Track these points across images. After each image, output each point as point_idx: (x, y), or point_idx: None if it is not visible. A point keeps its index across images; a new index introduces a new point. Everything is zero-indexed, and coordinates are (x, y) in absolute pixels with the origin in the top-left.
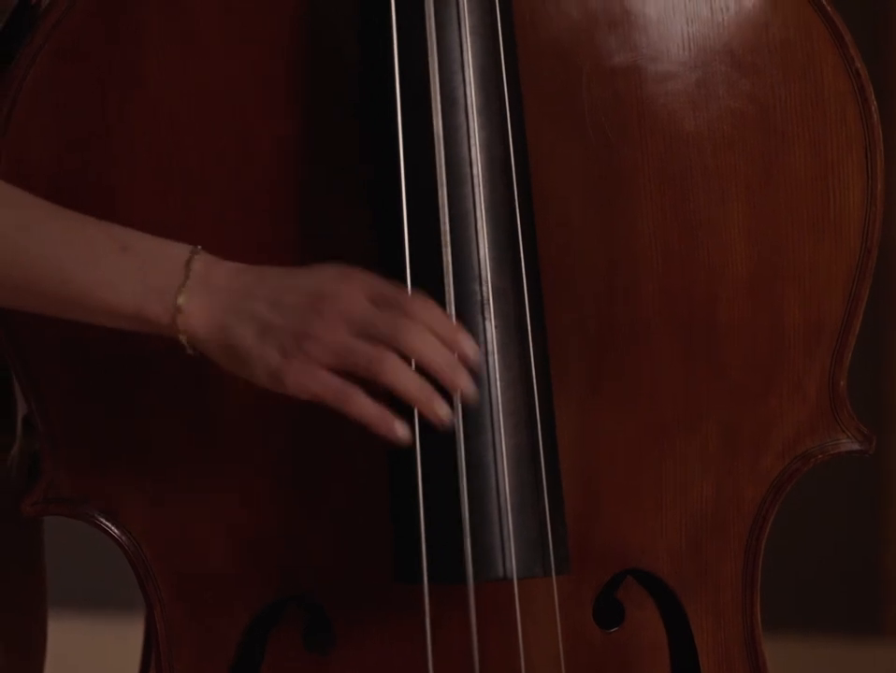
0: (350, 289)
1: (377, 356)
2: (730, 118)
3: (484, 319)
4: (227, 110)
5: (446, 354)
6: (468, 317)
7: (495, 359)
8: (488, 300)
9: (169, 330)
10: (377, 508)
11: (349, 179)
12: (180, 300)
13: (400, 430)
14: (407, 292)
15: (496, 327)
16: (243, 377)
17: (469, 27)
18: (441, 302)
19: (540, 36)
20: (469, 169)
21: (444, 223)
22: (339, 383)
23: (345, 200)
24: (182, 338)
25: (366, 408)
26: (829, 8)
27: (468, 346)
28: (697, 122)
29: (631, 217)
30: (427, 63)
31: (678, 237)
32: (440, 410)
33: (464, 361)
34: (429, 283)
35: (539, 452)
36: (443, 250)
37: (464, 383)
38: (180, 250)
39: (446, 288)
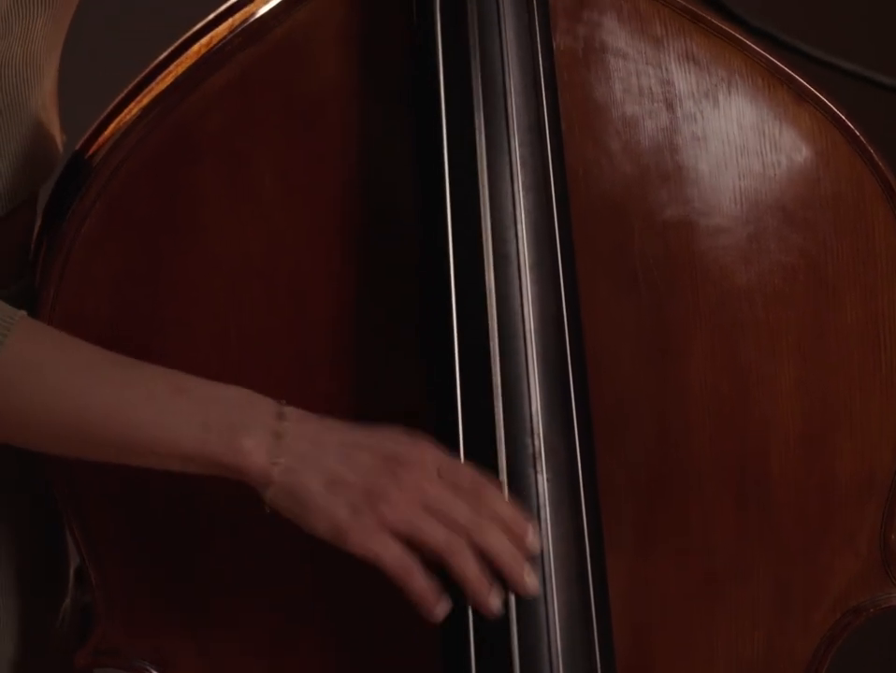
0: (424, 459)
1: (452, 545)
2: (781, 272)
3: (535, 472)
4: (283, 269)
5: (514, 551)
6: (519, 470)
7: (546, 513)
8: (540, 453)
9: (233, 468)
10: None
11: (403, 334)
12: (245, 441)
13: (442, 612)
14: (480, 476)
15: (548, 481)
16: (300, 524)
17: (522, 183)
18: (493, 455)
19: (592, 191)
20: (521, 325)
21: (496, 377)
22: (402, 553)
23: (399, 354)
24: (245, 478)
25: (421, 584)
26: (880, 163)
27: (535, 542)
28: (748, 277)
29: (683, 370)
30: (480, 218)
31: (729, 391)
32: (493, 603)
33: (529, 555)
34: (481, 436)
35: (591, 608)
36: (496, 403)
37: (530, 581)
38: (238, 392)
39: (498, 441)
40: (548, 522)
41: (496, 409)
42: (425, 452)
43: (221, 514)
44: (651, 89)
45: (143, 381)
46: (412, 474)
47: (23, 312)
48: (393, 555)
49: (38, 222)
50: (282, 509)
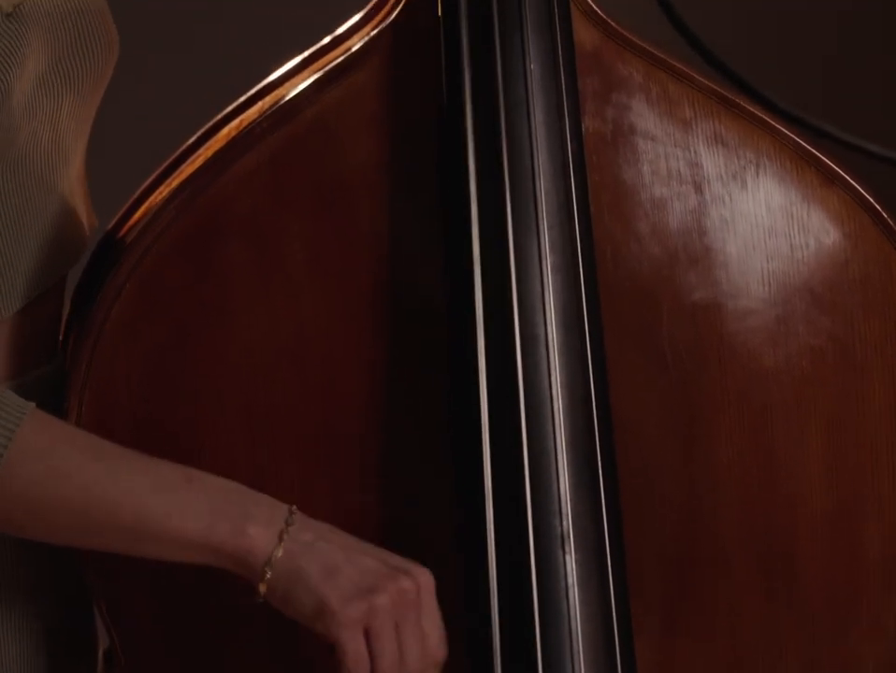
0: (426, 576)
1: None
2: (810, 354)
3: (564, 553)
4: (313, 352)
5: None
6: (548, 552)
7: (574, 593)
8: (569, 534)
9: (237, 554)
10: None
11: (433, 416)
12: (251, 528)
13: None
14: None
15: (576, 562)
16: (287, 604)
17: (551, 264)
18: (522, 536)
19: (620, 273)
20: (550, 406)
21: (525, 459)
22: (364, 650)
23: (428, 436)
24: (246, 564)
25: None
26: None
27: None
28: (776, 359)
29: (711, 450)
30: (509, 300)
31: (757, 470)
32: None
33: None
34: (510, 517)
35: None
36: (524, 484)
37: None
38: (245, 487)
39: (527, 523)
40: (576, 602)
41: (524, 491)
42: (427, 573)
43: (248, 607)
44: (680, 171)
45: (151, 471)
46: (411, 582)
47: (33, 404)
48: (356, 650)
49: (68, 307)
50: (276, 595)
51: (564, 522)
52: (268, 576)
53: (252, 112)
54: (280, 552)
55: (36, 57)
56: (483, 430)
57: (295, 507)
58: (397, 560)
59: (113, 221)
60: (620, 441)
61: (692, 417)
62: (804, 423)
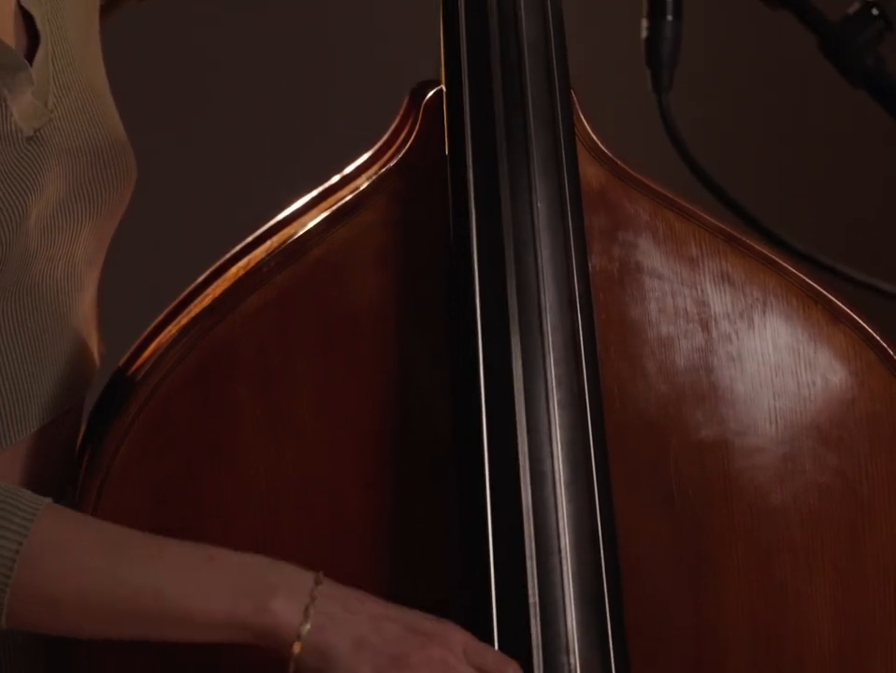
0: (452, 637)
1: None
2: (817, 492)
3: None
4: (319, 485)
5: None
6: None
7: None
8: (576, 670)
9: (263, 630)
10: None
11: (440, 548)
12: (275, 602)
13: None
14: (504, 658)
15: None
16: None
17: (558, 401)
18: (530, 671)
19: (628, 410)
20: (556, 541)
21: (533, 595)
22: None
23: (435, 576)
24: (273, 638)
25: None
26: None
27: None
28: (783, 496)
29: (718, 588)
30: (516, 436)
31: (765, 609)
32: None
33: None
34: (517, 654)
35: None
36: (531, 621)
37: None
38: (266, 559)
39: (534, 659)
40: None
41: (532, 627)
42: (452, 631)
43: None
44: (686, 309)
45: (171, 554)
46: (439, 649)
47: (49, 500)
48: None
49: (81, 434)
50: (307, 669)
51: (572, 659)
52: (297, 651)
53: (260, 252)
54: (307, 627)
55: (57, 182)
56: (490, 565)
57: (321, 574)
58: (425, 623)
59: (124, 359)
60: (628, 577)
61: (700, 554)
62: (812, 560)
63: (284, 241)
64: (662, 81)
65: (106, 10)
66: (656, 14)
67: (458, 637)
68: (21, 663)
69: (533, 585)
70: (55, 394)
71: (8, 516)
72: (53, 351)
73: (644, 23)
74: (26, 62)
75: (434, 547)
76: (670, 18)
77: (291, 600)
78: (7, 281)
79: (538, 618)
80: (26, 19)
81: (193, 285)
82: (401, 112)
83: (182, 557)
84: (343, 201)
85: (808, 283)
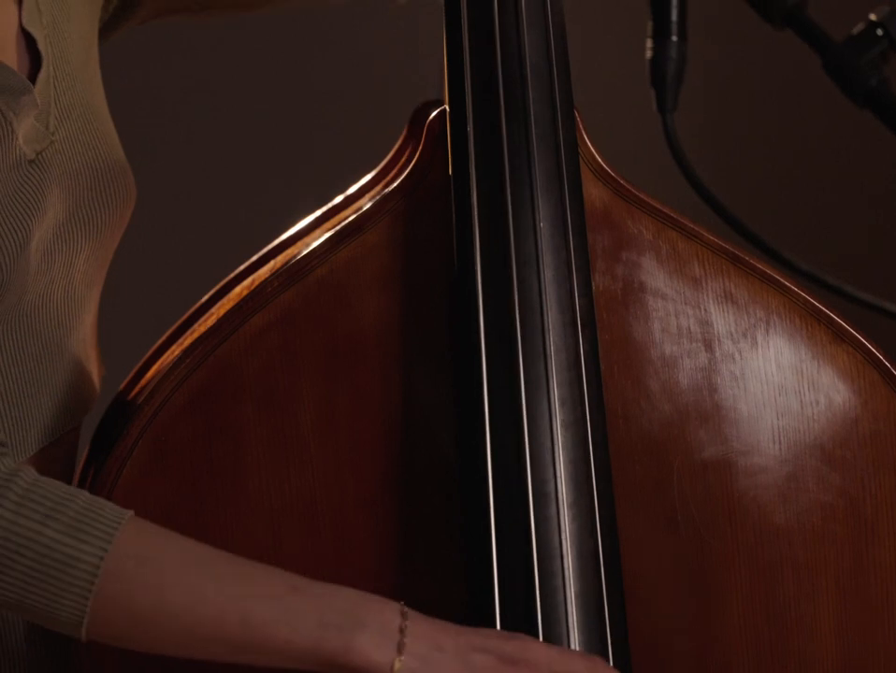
0: (537, 657)
1: None
2: (820, 511)
3: None
4: (323, 507)
5: None
6: None
7: None
8: None
9: (349, 668)
10: None
11: (443, 572)
12: (362, 639)
13: None
14: (592, 660)
15: None
16: None
17: (561, 421)
18: None
19: (631, 430)
20: (560, 562)
21: (536, 617)
22: None
23: (440, 595)
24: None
25: None
26: None
27: None
28: (787, 516)
29: (721, 607)
30: (519, 456)
31: (768, 628)
32: None
33: None
34: None
35: None
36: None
37: None
38: (353, 591)
39: None
40: None
41: None
42: (536, 651)
43: None
44: (689, 329)
45: (257, 579)
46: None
47: (132, 512)
48: None
49: (84, 456)
50: None
51: None
52: None
53: (264, 271)
54: (397, 666)
55: (57, 204)
56: (493, 585)
57: (403, 605)
58: (508, 646)
59: (126, 380)
60: (630, 596)
61: (703, 573)
62: (815, 580)
63: (288, 261)
64: (667, 102)
65: (105, 32)
66: (660, 34)
67: (541, 653)
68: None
69: (536, 605)
70: (55, 417)
71: (91, 523)
72: (53, 374)
73: (649, 44)
74: (31, 84)
75: (437, 567)
76: (674, 38)
77: (380, 637)
78: (8, 304)
79: (541, 638)
80: (28, 40)
81: (196, 306)
82: (404, 132)
83: (269, 583)
84: (347, 221)
85: (811, 302)
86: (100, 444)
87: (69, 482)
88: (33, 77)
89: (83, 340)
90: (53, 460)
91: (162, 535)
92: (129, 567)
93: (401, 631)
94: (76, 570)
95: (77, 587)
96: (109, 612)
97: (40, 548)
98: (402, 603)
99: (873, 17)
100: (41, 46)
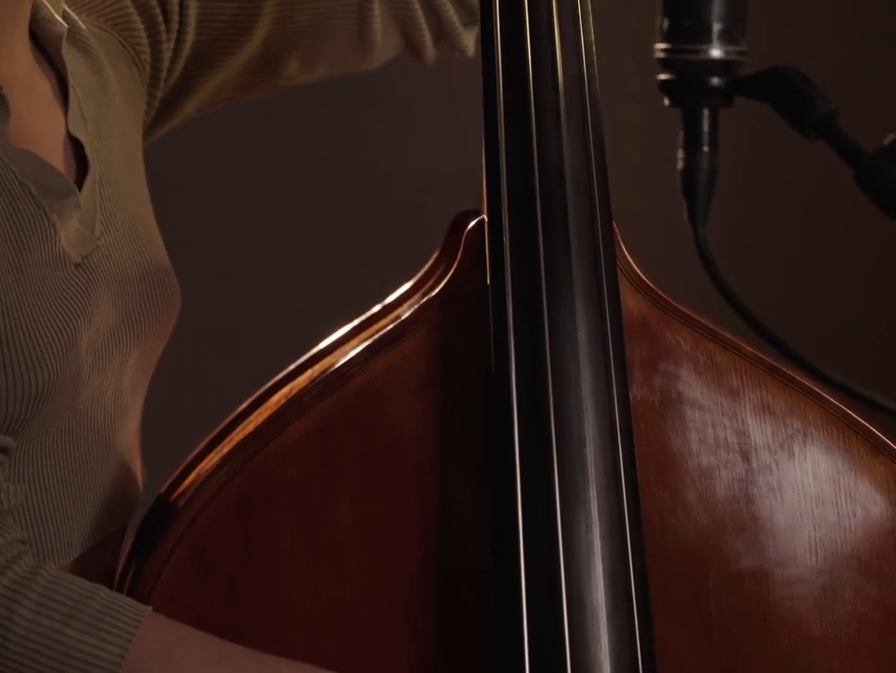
0: None
1: None
2: (857, 622)
3: None
4: (360, 615)
5: None
6: None
7: None
8: None
9: None
10: None
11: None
12: None
13: None
14: None
15: None
16: None
17: (599, 532)
18: None
19: (668, 540)
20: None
21: None
22: None
23: None
24: None
25: None
26: None
27: None
28: (823, 626)
29: None
30: (555, 566)
31: None
32: None
33: None
34: None
35: None
36: None
37: None
38: None
39: None
40: None
41: None
42: None
43: None
44: (727, 439)
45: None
46: None
47: (150, 607)
48: None
49: (122, 563)
50: None
51: None
52: None
53: (302, 380)
54: None
55: (106, 308)
56: None
57: None
58: None
59: (165, 485)
60: None
61: None
62: None
63: (326, 370)
64: (698, 214)
65: (149, 134)
66: (692, 145)
67: None
68: None
69: None
70: (98, 520)
71: (112, 621)
72: (98, 477)
73: (680, 154)
74: (75, 186)
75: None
76: (706, 149)
77: None
78: (58, 407)
79: None
80: (75, 146)
81: (234, 413)
82: (443, 242)
83: None
84: (385, 330)
85: (848, 414)
86: (138, 549)
87: (112, 580)
88: (80, 182)
89: (128, 444)
90: (98, 560)
91: (182, 631)
92: (149, 665)
93: None
94: (96, 669)
95: None
96: None
97: (61, 647)
98: None
99: None
100: (88, 151)
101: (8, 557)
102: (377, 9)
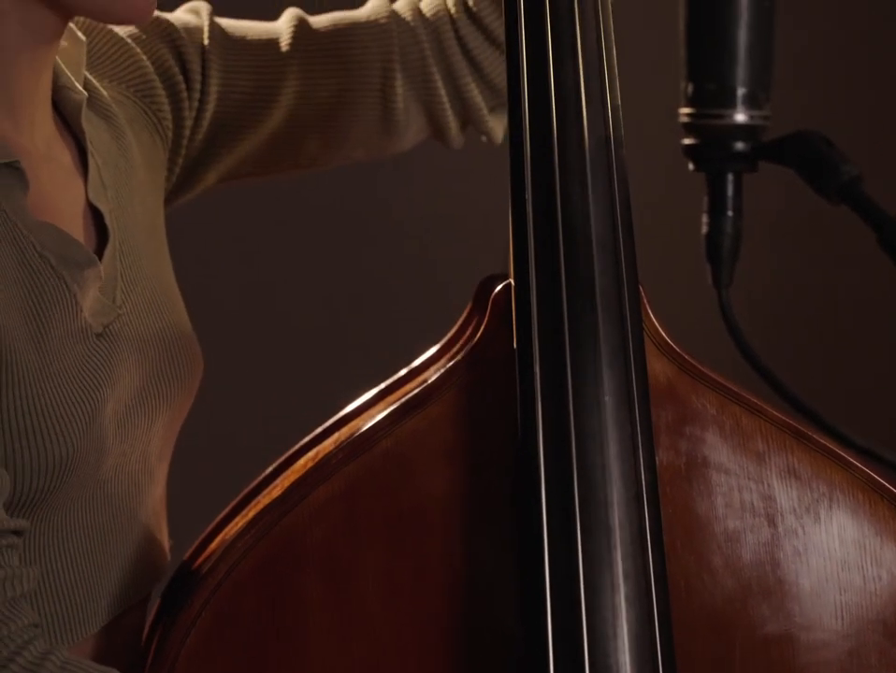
0: None
1: None
2: None
3: None
4: None
5: None
6: None
7: None
8: None
9: None
10: None
11: None
12: None
13: None
14: None
15: None
16: None
17: (625, 595)
18: None
19: (693, 604)
20: None
21: None
22: None
23: None
24: None
25: None
26: None
27: None
28: None
29: None
30: (580, 631)
31: None
32: None
33: None
34: None
35: None
36: None
37: None
38: None
39: None
40: None
41: None
42: None
43: None
44: (753, 504)
45: None
46: None
47: None
48: None
49: (148, 625)
50: None
51: None
52: None
53: (328, 444)
54: None
55: (129, 376)
56: None
57: None
58: None
59: (190, 551)
60: None
61: None
62: None
63: (353, 433)
64: (722, 277)
65: (170, 201)
66: (716, 210)
67: None
68: None
69: None
70: (124, 588)
71: None
72: (123, 546)
73: (705, 219)
74: (96, 257)
75: None
76: (730, 213)
77: None
78: (83, 476)
79: None
80: (95, 214)
81: (259, 478)
82: (469, 305)
83: None
84: (412, 394)
85: (874, 478)
86: (164, 614)
87: (138, 646)
88: (100, 250)
89: (153, 512)
90: (119, 632)
91: None
92: None
93: None
94: None
95: None
96: None
97: None
98: None
99: None
100: (108, 220)
101: (20, 642)
102: (399, 87)
